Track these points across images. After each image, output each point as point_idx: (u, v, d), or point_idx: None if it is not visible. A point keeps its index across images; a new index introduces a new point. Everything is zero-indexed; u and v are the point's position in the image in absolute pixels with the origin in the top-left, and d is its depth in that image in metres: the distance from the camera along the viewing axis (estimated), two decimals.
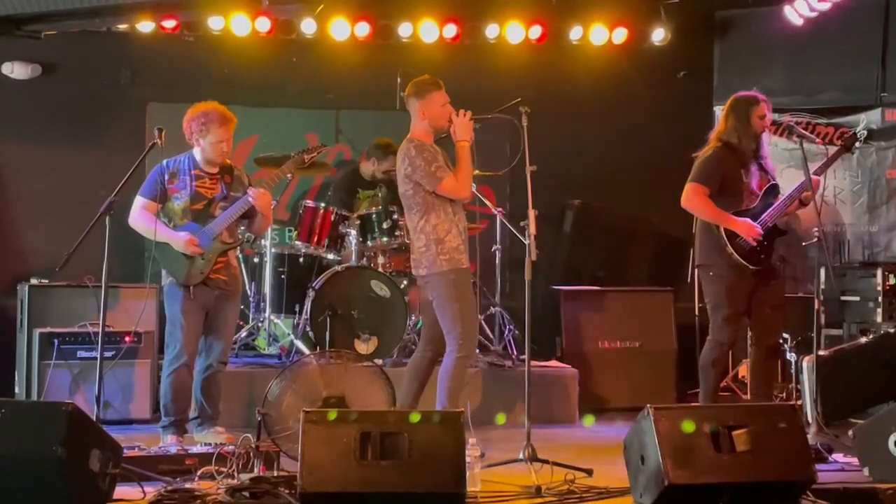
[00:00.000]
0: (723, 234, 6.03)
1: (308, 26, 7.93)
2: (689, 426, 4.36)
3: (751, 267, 6.02)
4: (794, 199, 6.14)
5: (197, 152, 5.85)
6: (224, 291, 5.88)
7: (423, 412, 4.48)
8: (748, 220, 6.03)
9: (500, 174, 6.95)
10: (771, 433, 4.42)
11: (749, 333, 6.63)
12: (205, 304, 5.83)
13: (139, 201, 5.81)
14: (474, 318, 5.95)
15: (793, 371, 6.62)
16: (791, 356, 6.67)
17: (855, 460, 5.29)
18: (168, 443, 5.64)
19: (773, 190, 6.16)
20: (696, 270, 6.36)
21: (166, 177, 5.80)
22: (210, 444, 5.20)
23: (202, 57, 8.05)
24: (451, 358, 5.68)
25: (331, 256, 7.22)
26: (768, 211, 6.08)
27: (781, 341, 6.42)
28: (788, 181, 6.57)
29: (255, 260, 7.45)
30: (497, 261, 7.53)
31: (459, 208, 5.82)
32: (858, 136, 6.57)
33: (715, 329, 6.15)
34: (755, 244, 6.00)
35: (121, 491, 4.50)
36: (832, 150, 7.71)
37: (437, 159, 5.70)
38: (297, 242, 7.26)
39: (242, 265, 7.41)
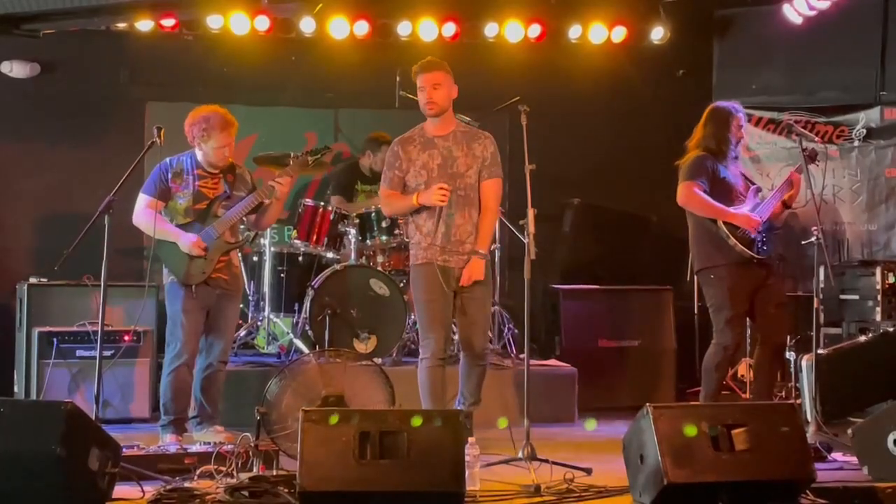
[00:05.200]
0: (723, 227, 6.08)
1: (307, 25, 7.93)
2: (690, 430, 4.35)
3: (756, 256, 6.08)
4: (783, 195, 6.26)
5: (199, 153, 5.86)
6: (225, 291, 5.89)
7: (423, 412, 4.49)
8: (746, 211, 6.13)
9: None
10: (770, 432, 4.42)
11: (750, 333, 6.65)
12: (206, 304, 5.83)
13: (143, 199, 5.82)
14: (429, 315, 5.62)
15: (792, 370, 6.62)
16: (790, 355, 6.67)
17: (854, 459, 5.29)
18: (167, 442, 5.64)
19: (759, 191, 6.30)
20: (695, 277, 6.39)
21: (169, 175, 5.81)
22: (209, 444, 5.19)
23: (201, 56, 8.05)
24: None
25: (330, 255, 7.21)
26: (760, 207, 6.19)
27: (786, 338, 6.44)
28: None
29: (255, 259, 7.45)
30: (496, 259, 7.51)
31: (439, 206, 5.60)
32: (819, 152, 6.69)
33: (719, 332, 6.16)
34: (755, 235, 6.08)
35: (120, 490, 4.49)
36: (832, 149, 7.76)
37: (393, 165, 5.66)
38: (296, 241, 7.26)
39: (242, 264, 7.42)
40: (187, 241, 5.73)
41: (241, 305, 7.43)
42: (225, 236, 5.84)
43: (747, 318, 6.36)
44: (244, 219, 6.10)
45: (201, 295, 5.80)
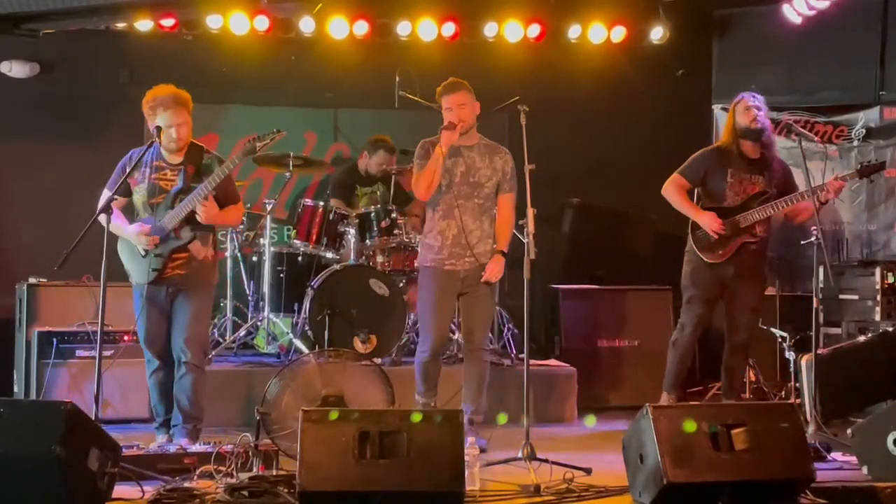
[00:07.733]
0: (690, 223, 6.36)
1: (306, 25, 7.94)
2: (689, 426, 4.36)
3: (705, 259, 6.27)
4: (778, 208, 6.29)
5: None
6: (180, 289, 5.54)
7: (423, 411, 4.49)
8: (713, 213, 6.25)
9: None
10: (770, 432, 4.43)
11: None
12: (160, 304, 5.54)
13: (103, 195, 5.53)
14: (430, 316, 5.89)
15: (791, 370, 6.63)
16: (790, 355, 6.68)
17: (853, 459, 5.30)
18: (161, 442, 5.58)
19: (760, 195, 6.32)
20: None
21: (128, 169, 5.46)
22: (209, 443, 5.18)
23: (201, 55, 8.05)
24: None
25: (329, 255, 7.21)
26: (746, 211, 6.27)
27: (749, 341, 6.50)
28: None
29: (254, 259, 7.45)
30: None
31: (455, 210, 5.80)
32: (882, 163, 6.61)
33: (682, 310, 6.46)
34: (717, 237, 6.23)
35: (120, 490, 4.50)
36: (831, 148, 7.75)
37: (424, 158, 5.81)
38: (295, 241, 7.26)
39: (241, 264, 7.40)
40: (132, 231, 5.46)
41: (240, 305, 7.47)
42: (177, 232, 5.48)
43: (711, 306, 6.44)
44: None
45: (152, 295, 5.52)
